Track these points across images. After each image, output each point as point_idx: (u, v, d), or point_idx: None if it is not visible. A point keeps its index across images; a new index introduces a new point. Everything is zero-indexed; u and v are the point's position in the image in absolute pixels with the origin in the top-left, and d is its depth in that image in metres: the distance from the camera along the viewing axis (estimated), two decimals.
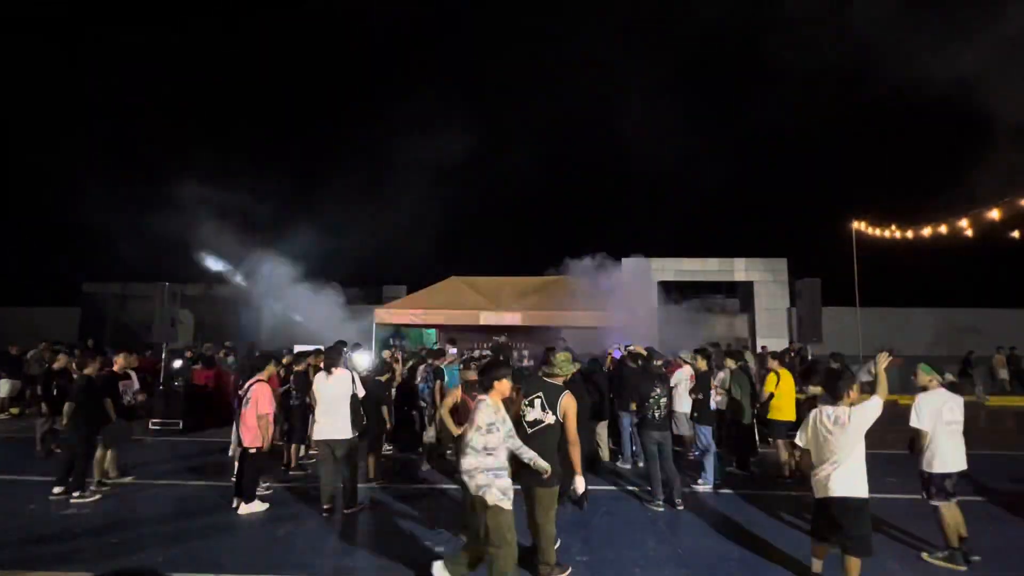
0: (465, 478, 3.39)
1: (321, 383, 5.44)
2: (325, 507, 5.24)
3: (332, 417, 5.31)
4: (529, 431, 3.78)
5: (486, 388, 3.59)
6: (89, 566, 4.09)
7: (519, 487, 3.74)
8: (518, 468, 3.69)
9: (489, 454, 3.37)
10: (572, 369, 4.23)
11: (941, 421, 4.23)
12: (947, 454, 4.21)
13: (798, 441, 3.88)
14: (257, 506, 5.34)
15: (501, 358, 6.13)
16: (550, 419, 3.78)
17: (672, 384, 6.73)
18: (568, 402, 3.80)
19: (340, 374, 5.47)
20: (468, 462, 3.35)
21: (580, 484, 3.83)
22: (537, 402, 3.82)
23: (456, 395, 5.15)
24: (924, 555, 4.34)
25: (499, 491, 3.36)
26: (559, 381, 3.93)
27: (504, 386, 3.61)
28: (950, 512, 4.21)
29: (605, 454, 7.31)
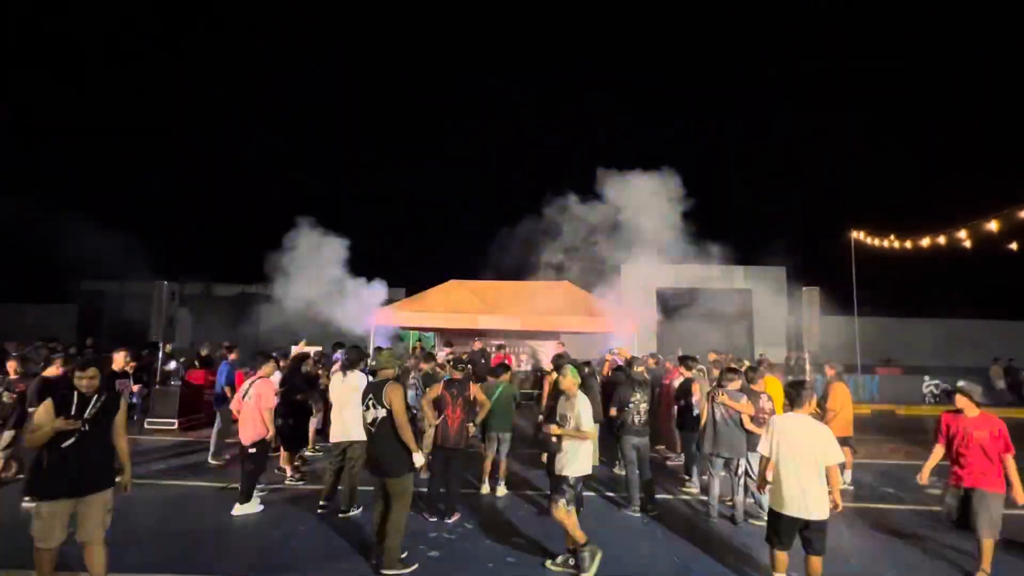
0: None
1: (337, 384, 5.47)
2: (321, 503, 5.26)
3: (347, 418, 5.31)
4: (373, 430, 4.14)
5: None
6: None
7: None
8: (371, 458, 4.17)
9: None
10: (396, 365, 4.46)
11: (569, 424, 4.21)
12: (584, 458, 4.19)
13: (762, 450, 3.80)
14: (252, 506, 5.31)
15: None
16: (382, 413, 4.11)
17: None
18: (391, 392, 4.10)
19: (354, 376, 5.48)
20: None
21: (419, 459, 4.11)
22: (371, 402, 4.15)
23: (438, 389, 5.42)
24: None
25: None
26: (388, 377, 4.25)
27: None
28: (571, 514, 4.14)
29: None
